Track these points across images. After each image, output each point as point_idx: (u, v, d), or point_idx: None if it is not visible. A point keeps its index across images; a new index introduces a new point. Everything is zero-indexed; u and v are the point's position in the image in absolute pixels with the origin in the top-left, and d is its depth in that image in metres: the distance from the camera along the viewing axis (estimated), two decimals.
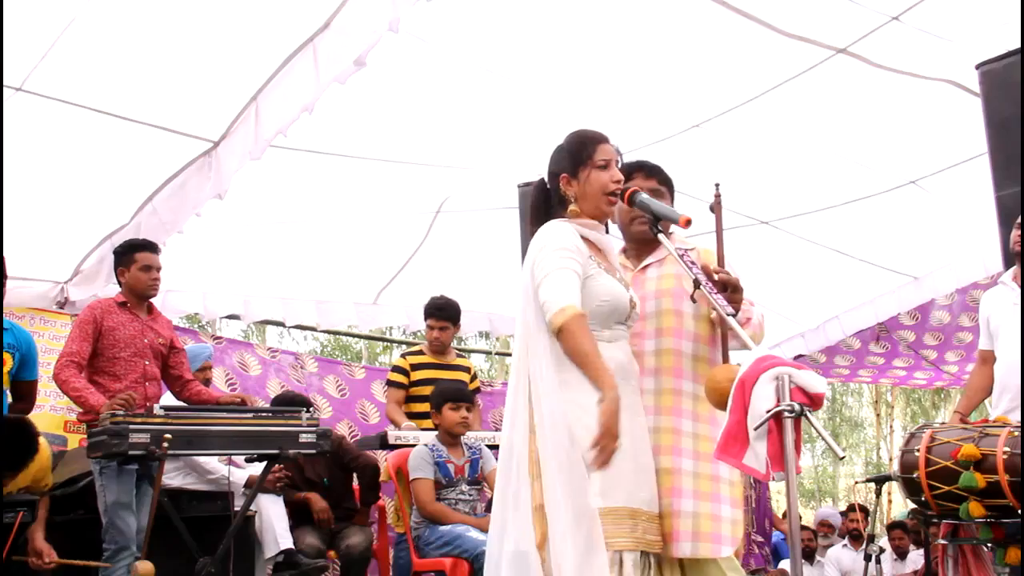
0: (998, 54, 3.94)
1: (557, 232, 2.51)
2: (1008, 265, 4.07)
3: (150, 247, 4.33)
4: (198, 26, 4.02)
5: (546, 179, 2.66)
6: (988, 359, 4.11)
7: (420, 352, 5.39)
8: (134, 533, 3.85)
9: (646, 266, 2.79)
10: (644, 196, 2.64)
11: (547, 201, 2.63)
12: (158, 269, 4.30)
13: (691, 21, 4.36)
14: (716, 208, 2.62)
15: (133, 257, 4.26)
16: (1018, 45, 3.82)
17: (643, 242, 2.79)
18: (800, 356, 7.87)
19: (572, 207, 2.57)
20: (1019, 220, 3.95)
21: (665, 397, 2.63)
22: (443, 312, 5.32)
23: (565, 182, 2.58)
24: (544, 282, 2.43)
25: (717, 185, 2.65)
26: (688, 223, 2.49)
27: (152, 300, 4.37)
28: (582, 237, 2.53)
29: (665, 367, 2.64)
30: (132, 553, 3.80)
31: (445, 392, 4.55)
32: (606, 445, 2.28)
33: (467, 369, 5.47)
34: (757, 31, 4.35)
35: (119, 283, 4.34)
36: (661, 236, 2.59)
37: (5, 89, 4.04)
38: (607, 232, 2.68)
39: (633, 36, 4.50)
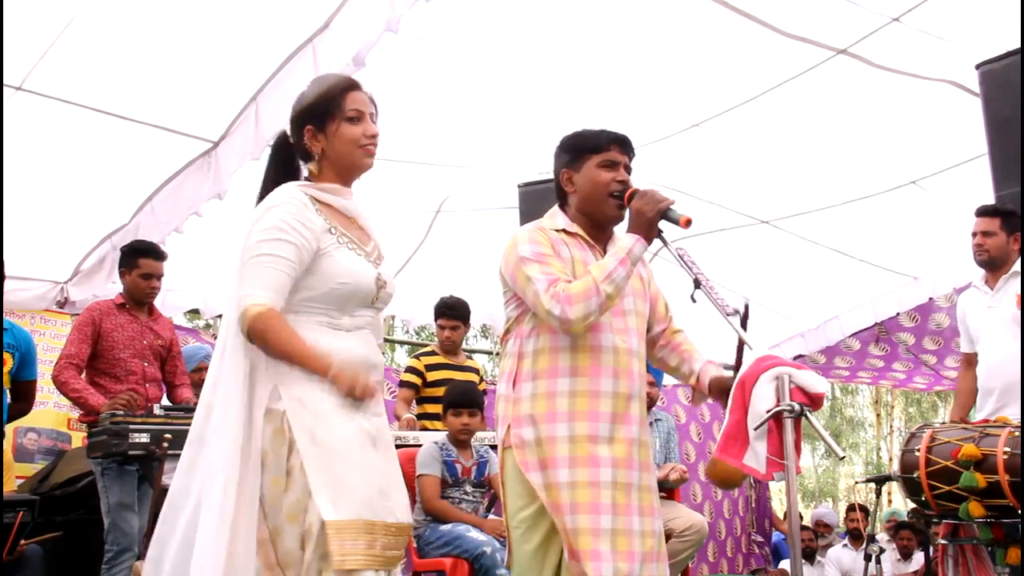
0: (998, 54, 3.93)
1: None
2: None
3: (155, 254, 4.33)
4: (198, 26, 4.02)
5: None
6: (972, 362, 4.13)
7: (433, 352, 5.37)
8: (136, 534, 3.85)
9: None
10: None
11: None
12: (159, 277, 4.31)
13: (692, 21, 4.36)
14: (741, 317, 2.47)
15: (136, 262, 4.27)
16: (1018, 45, 3.82)
17: (603, 226, 2.62)
18: (800, 356, 7.87)
19: (311, 165, 2.30)
20: (974, 229, 3.99)
21: (643, 406, 2.57)
22: (454, 311, 5.30)
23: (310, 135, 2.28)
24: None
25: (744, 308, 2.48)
26: (688, 223, 2.42)
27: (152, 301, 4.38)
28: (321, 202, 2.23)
29: (640, 372, 2.57)
30: (134, 554, 3.80)
31: (449, 397, 4.55)
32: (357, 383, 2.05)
33: (476, 370, 5.46)
34: (758, 32, 4.35)
35: (121, 281, 4.36)
36: (662, 237, 2.55)
37: (5, 88, 4.04)
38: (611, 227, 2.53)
39: (634, 36, 4.50)
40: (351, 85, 2.30)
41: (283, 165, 2.34)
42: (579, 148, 2.61)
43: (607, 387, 2.47)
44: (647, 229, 2.44)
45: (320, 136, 2.26)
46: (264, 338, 2.06)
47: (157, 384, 4.28)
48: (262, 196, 2.25)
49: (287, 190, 2.20)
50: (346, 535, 2.01)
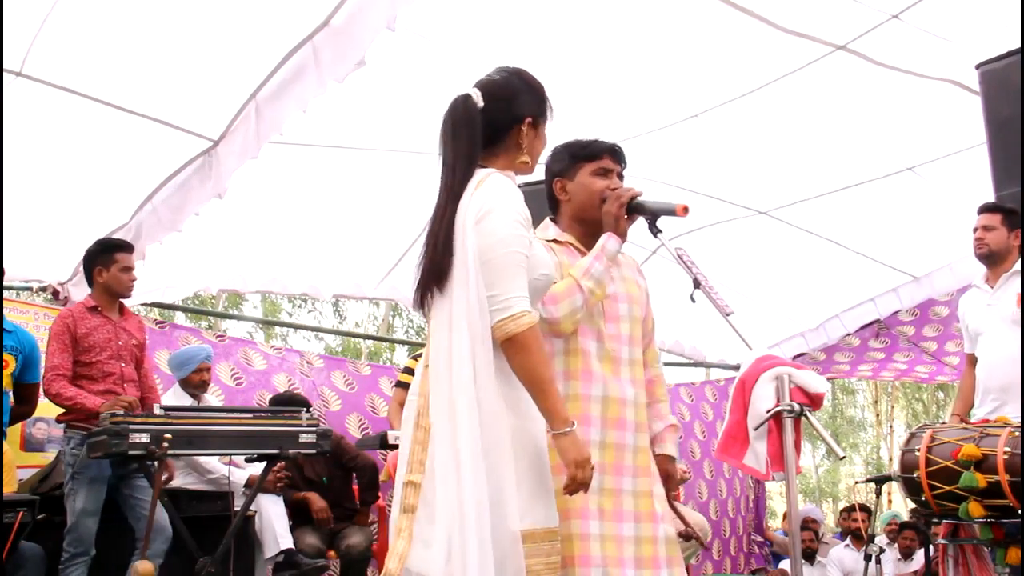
0: (998, 54, 3.93)
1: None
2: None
3: (127, 247, 4.33)
4: (199, 21, 4.01)
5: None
6: (975, 362, 4.13)
7: None
8: (94, 540, 3.93)
9: None
10: (642, 199, 2.54)
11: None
12: (134, 268, 4.30)
13: (692, 17, 4.36)
14: None
15: (113, 257, 4.24)
16: (1018, 45, 3.82)
17: (597, 233, 2.58)
18: (800, 355, 7.87)
19: (523, 158, 2.36)
20: (975, 224, 4.00)
21: (640, 411, 2.53)
22: None
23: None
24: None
25: None
26: (686, 210, 2.42)
27: (124, 300, 4.35)
28: None
29: (637, 379, 2.55)
30: (89, 558, 3.90)
31: None
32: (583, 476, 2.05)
33: None
34: (758, 27, 4.35)
35: (91, 283, 4.29)
36: (660, 236, 2.54)
37: (6, 74, 4.00)
38: None
39: (634, 30, 4.49)
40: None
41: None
42: (572, 156, 2.63)
43: (597, 391, 2.44)
44: (614, 224, 2.49)
45: (530, 132, 2.36)
46: (527, 353, 2.01)
47: (135, 385, 4.23)
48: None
49: (508, 182, 2.24)
50: (535, 545, 2.01)
